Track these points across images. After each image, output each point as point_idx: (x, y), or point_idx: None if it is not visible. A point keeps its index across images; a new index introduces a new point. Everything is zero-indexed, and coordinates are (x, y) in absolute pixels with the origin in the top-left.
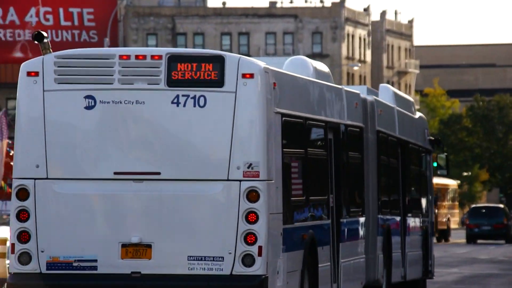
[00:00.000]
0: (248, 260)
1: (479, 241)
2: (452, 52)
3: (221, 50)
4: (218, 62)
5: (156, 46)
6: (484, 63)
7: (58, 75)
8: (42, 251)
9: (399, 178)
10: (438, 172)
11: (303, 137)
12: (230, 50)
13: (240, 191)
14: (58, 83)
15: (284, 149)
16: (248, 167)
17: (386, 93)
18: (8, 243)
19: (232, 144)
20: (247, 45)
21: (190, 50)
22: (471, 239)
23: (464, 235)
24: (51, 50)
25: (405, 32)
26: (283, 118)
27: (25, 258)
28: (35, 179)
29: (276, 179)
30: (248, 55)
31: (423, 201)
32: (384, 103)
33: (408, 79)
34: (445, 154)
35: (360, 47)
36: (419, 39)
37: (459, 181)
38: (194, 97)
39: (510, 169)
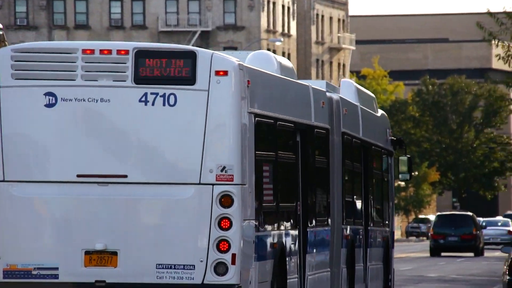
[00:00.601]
0: (221, 268)
1: (443, 254)
2: (396, 24)
3: (110, 20)
4: (190, 58)
5: (27, 12)
6: (434, 38)
7: (15, 70)
8: None
9: (362, 185)
10: (400, 176)
11: (273, 139)
12: (121, 20)
13: (213, 196)
14: (15, 79)
15: (256, 152)
16: (222, 170)
17: (349, 89)
18: None
19: (204, 146)
20: (143, 13)
21: (159, 45)
22: (436, 251)
23: (408, 248)
24: (6, 43)
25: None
26: (256, 119)
27: None
28: None
29: (249, 183)
30: (144, 27)
31: (385, 209)
32: (349, 102)
33: (341, 57)
34: (408, 156)
35: (283, 18)
36: (355, 8)
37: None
38: (163, 95)
39: (465, 168)
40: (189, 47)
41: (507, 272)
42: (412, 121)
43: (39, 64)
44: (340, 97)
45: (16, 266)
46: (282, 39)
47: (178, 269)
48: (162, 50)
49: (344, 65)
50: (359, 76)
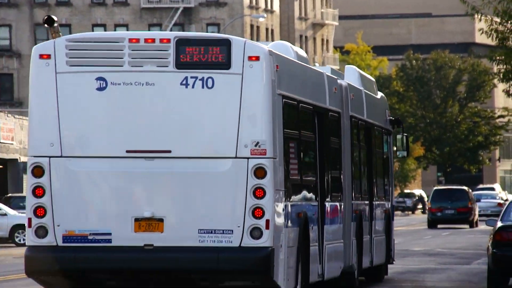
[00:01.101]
0: (256, 233)
1: (439, 226)
2: None
3: None
4: (225, 45)
5: None
6: (417, 13)
7: (70, 57)
8: (58, 225)
9: (366, 163)
10: (398, 154)
11: (297, 119)
12: None
13: (248, 168)
14: (70, 66)
15: (284, 130)
16: (256, 145)
17: (352, 75)
18: None
19: (239, 123)
20: None
21: (198, 34)
22: (433, 224)
23: (394, 222)
24: (61, 34)
25: None
26: (283, 100)
27: (41, 231)
28: (50, 157)
29: (279, 157)
30: (126, 4)
31: (386, 185)
32: (355, 87)
33: (325, 32)
34: (405, 134)
35: None
36: None
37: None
38: (202, 79)
39: (449, 143)
40: (225, 35)
41: (492, 245)
42: (396, 96)
43: (90, 52)
44: (348, 83)
45: (74, 232)
46: (265, 15)
47: (218, 233)
48: (200, 38)
49: (327, 41)
50: (343, 52)
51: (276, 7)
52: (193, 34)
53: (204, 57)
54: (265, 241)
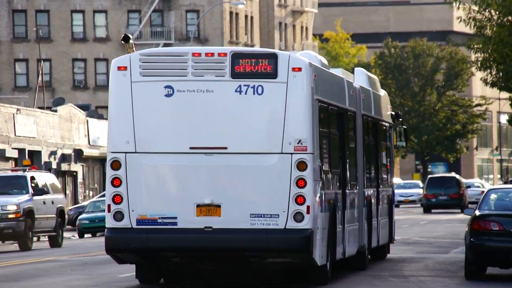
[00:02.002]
0: (298, 217)
1: (433, 210)
2: None
3: None
4: (273, 58)
5: None
6: (396, 1)
7: (143, 69)
8: (132, 210)
9: (374, 154)
10: (398, 144)
11: (328, 119)
12: None
13: (292, 162)
14: (143, 76)
15: (320, 129)
16: (298, 143)
17: (361, 76)
18: None
19: (284, 124)
20: None
21: (250, 49)
22: (428, 209)
23: None
24: (134, 50)
25: None
26: (319, 104)
27: (119, 216)
28: (126, 153)
29: (316, 152)
30: None
31: (389, 173)
32: (365, 88)
33: (304, 20)
34: (404, 127)
35: None
36: None
37: None
38: (253, 87)
39: (428, 131)
40: (273, 50)
41: (469, 234)
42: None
43: (160, 65)
44: (360, 86)
45: (146, 216)
46: (244, 2)
47: (266, 217)
48: (252, 53)
49: (307, 28)
50: (322, 39)
51: None
52: (246, 49)
53: (255, 68)
54: (306, 224)
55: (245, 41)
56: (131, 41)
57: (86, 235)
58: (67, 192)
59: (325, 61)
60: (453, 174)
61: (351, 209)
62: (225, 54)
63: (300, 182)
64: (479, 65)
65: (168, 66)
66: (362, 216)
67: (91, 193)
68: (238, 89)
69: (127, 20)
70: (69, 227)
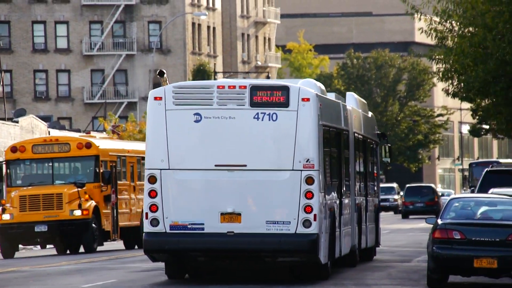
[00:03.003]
0: (307, 223)
1: (411, 216)
2: None
3: None
4: (285, 90)
5: None
6: (358, 12)
7: (175, 99)
8: (166, 218)
9: (363, 167)
10: (383, 159)
11: (329, 140)
12: None
13: (301, 177)
14: (175, 105)
15: (324, 149)
16: (307, 161)
17: (352, 99)
18: None
19: (295, 146)
20: None
21: (266, 81)
22: (406, 214)
23: None
24: (168, 83)
25: None
26: (323, 128)
27: (155, 222)
28: (161, 169)
29: (321, 169)
30: (67, 1)
31: (375, 184)
32: (356, 110)
33: (267, 31)
34: (389, 145)
35: None
36: None
37: None
38: (269, 114)
39: (390, 141)
40: (285, 83)
41: (431, 243)
42: (337, 94)
43: (190, 95)
44: (352, 108)
45: (177, 222)
46: (206, 13)
47: (279, 224)
48: (267, 85)
49: (269, 39)
50: (285, 50)
51: (218, 5)
52: (263, 81)
53: (270, 98)
54: (313, 229)
55: (208, 52)
56: (165, 75)
57: (48, 246)
58: None
59: (323, 87)
60: (429, 184)
61: (345, 214)
62: (245, 87)
63: (308, 194)
64: (440, 75)
65: (197, 97)
66: (353, 221)
67: None
68: (256, 116)
69: (89, 31)
70: None
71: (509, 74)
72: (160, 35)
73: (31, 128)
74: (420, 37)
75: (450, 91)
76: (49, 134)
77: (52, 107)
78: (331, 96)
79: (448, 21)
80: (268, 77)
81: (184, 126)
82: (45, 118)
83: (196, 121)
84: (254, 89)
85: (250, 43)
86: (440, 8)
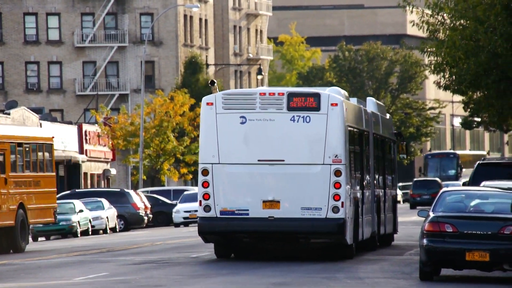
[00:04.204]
0: (335, 209)
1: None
2: None
3: None
4: (317, 96)
5: None
6: (350, 4)
7: (224, 104)
8: (217, 205)
9: (382, 163)
10: (400, 156)
11: (352, 139)
12: None
13: (331, 170)
14: (224, 109)
15: (349, 146)
16: (335, 157)
17: (371, 104)
18: None
19: (325, 143)
20: None
21: (301, 89)
22: (414, 206)
23: None
24: (217, 90)
25: None
26: (348, 128)
27: (207, 208)
28: (212, 164)
29: (347, 164)
30: None
31: (393, 178)
32: (375, 113)
33: (259, 23)
34: (404, 143)
35: None
36: None
37: None
38: (303, 117)
39: None
40: (317, 90)
41: (424, 236)
42: (329, 87)
43: (236, 101)
44: (372, 111)
45: (226, 209)
46: (199, 5)
47: (312, 210)
48: (302, 92)
49: (261, 32)
50: (277, 43)
51: None
52: (298, 89)
53: (304, 103)
54: (341, 214)
55: (200, 44)
56: (215, 84)
57: (40, 239)
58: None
59: (346, 94)
60: (435, 178)
61: (367, 204)
62: (283, 94)
63: (337, 185)
64: (432, 68)
65: (242, 102)
66: (373, 210)
67: None
68: (292, 119)
69: (81, 22)
70: None
71: (500, 66)
72: (152, 27)
73: (22, 120)
74: (412, 30)
75: (441, 84)
76: (40, 126)
77: (44, 99)
78: (354, 101)
79: (440, 14)
80: (260, 70)
81: (231, 127)
82: (36, 110)
83: (242, 123)
84: (291, 95)
85: (242, 35)
86: (432, 0)
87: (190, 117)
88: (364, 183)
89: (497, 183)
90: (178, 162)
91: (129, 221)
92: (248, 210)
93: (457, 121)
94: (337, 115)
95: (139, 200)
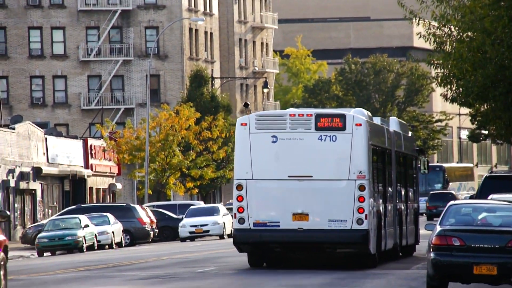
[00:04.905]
0: (360, 221)
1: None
2: (318, 3)
3: None
4: (342, 117)
5: None
6: (356, 17)
7: (257, 125)
8: (250, 217)
9: (404, 178)
10: (422, 171)
11: (375, 156)
12: None
13: (355, 186)
14: (257, 129)
15: (372, 163)
16: (359, 173)
17: (394, 123)
18: None
19: (350, 161)
20: None
21: (327, 111)
22: (431, 218)
23: None
24: (250, 112)
25: None
26: (372, 147)
27: (242, 220)
28: (246, 179)
29: (371, 179)
30: (63, 6)
31: (415, 192)
32: (397, 131)
33: (264, 36)
34: (427, 159)
35: None
36: None
37: None
38: (330, 136)
39: None
40: (342, 112)
41: (431, 250)
42: (335, 100)
43: (268, 122)
44: (394, 130)
45: (259, 221)
46: (204, 19)
47: (338, 221)
48: (328, 113)
49: (267, 44)
50: (283, 56)
51: (215, 10)
52: (325, 111)
53: (330, 124)
54: (365, 226)
55: (205, 58)
56: (249, 106)
57: (45, 254)
58: (26, 210)
59: (369, 114)
60: (450, 190)
61: (389, 217)
62: (311, 115)
63: (361, 199)
64: (439, 80)
65: (274, 123)
66: (396, 223)
67: (50, 211)
68: (320, 138)
69: (86, 36)
70: (28, 245)
71: (508, 78)
72: (157, 40)
73: (27, 134)
74: (418, 42)
75: (448, 96)
76: (45, 141)
77: (49, 113)
78: (377, 120)
79: (447, 26)
80: (266, 83)
81: (264, 146)
82: (41, 125)
83: (273, 142)
84: (318, 116)
85: (248, 49)
86: (438, 12)
87: (195, 131)
88: (387, 197)
89: (505, 196)
90: (184, 176)
91: (135, 236)
92: (279, 222)
93: (464, 134)
94: (361, 134)
95: (145, 214)
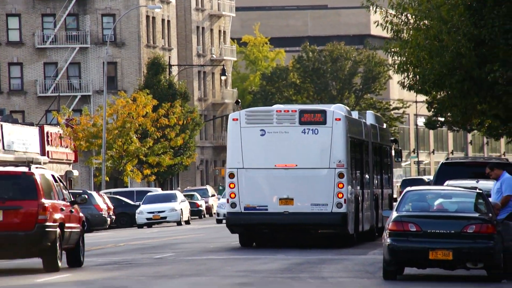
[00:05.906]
0: (339, 205)
1: None
2: None
3: None
4: (323, 112)
5: None
6: (313, 5)
7: (247, 120)
8: (241, 202)
9: (379, 167)
10: (395, 159)
11: (353, 147)
12: None
13: (335, 173)
14: (247, 124)
15: (351, 153)
16: (339, 162)
17: (370, 117)
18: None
19: (331, 151)
20: None
21: (310, 107)
22: None
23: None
24: (240, 108)
25: None
26: (350, 139)
27: (233, 205)
28: (237, 168)
29: (349, 168)
30: None
31: (389, 179)
32: (373, 124)
33: (222, 24)
34: (400, 148)
35: None
36: None
37: None
38: (312, 130)
39: None
40: (323, 108)
41: (387, 236)
42: (293, 87)
43: (257, 117)
44: (371, 123)
45: (249, 205)
46: (161, 6)
47: (320, 205)
48: (311, 109)
49: (224, 32)
50: (240, 43)
51: None
52: (308, 106)
53: (313, 118)
54: (343, 209)
55: (162, 45)
56: (239, 104)
57: None
58: None
59: (348, 109)
60: (421, 176)
61: (366, 201)
62: (295, 111)
63: (340, 185)
64: (396, 68)
65: (262, 118)
66: (372, 206)
67: None
68: (303, 131)
69: (42, 23)
70: None
71: (464, 66)
72: (114, 28)
73: None
74: (375, 30)
75: (405, 84)
76: (1, 127)
77: (5, 100)
78: (355, 114)
79: (404, 14)
80: (223, 71)
81: (253, 138)
82: None
83: (262, 135)
84: (302, 112)
85: (205, 36)
86: (395, 1)
87: (153, 118)
88: (364, 184)
89: (460, 183)
90: (141, 163)
91: (92, 222)
92: (267, 206)
93: (421, 121)
94: (340, 128)
95: (102, 201)
